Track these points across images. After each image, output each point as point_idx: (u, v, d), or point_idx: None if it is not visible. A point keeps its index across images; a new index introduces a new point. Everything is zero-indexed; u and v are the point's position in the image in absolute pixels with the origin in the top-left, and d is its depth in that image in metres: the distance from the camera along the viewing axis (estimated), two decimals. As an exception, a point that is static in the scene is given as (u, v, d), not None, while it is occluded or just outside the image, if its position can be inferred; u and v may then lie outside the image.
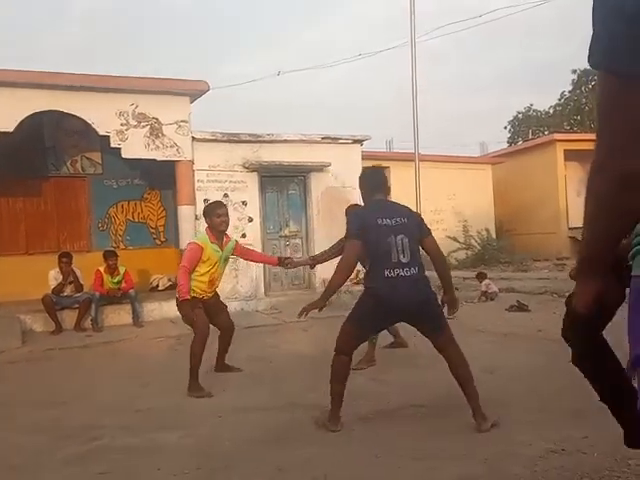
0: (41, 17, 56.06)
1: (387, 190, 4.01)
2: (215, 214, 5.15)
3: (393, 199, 4.25)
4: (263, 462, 3.35)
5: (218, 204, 5.40)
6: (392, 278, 3.61)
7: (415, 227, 3.75)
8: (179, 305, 5.09)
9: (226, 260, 5.36)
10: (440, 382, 4.83)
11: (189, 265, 5.04)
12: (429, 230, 3.86)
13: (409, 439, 3.46)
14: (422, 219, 3.91)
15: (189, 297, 4.98)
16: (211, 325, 5.27)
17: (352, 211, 4.09)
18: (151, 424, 4.20)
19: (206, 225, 5.31)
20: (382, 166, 4.48)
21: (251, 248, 6.75)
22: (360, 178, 4.09)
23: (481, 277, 10.20)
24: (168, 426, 4.11)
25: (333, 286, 3.81)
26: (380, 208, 3.82)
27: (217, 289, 5.48)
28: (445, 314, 3.86)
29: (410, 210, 3.96)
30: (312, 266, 6.01)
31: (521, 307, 8.58)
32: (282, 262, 5.56)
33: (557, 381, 4.38)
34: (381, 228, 3.65)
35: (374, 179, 4.01)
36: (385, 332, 5.69)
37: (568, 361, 1.45)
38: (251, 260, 6.20)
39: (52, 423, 4.34)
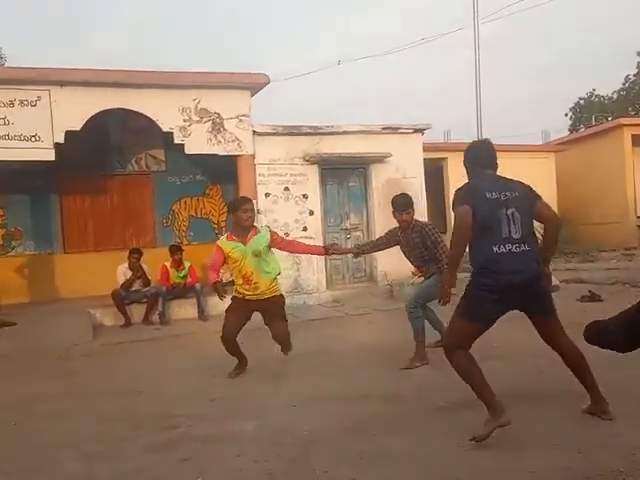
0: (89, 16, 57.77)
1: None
2: (241, 209, 5.12)
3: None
4: (343, 450, 3.29)
5: (244, 199, 5.48)
6: None
7: None
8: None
9: (256, 254, 5.06)
10: (510, 374, 4.63)
11: (212, 262, 5.33)
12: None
13: (492, 429, 3.30)
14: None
15: (216, 280, 5.36)
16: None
17: None
18: (226, 413, 4.23)
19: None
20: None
21: (291, 239, 6.98)
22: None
23: None
24: (243, 415, 4.12)
25: None
26: None
27: (272, 290, 5.20)
28: None
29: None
30: (356, 255, 6.08)
31: (593, 297, 8.29)
32: (327, 250, 5.62)
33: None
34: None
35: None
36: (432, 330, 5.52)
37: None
38: (295, 252, 6.27)
39: (129, 412, 4.42)
